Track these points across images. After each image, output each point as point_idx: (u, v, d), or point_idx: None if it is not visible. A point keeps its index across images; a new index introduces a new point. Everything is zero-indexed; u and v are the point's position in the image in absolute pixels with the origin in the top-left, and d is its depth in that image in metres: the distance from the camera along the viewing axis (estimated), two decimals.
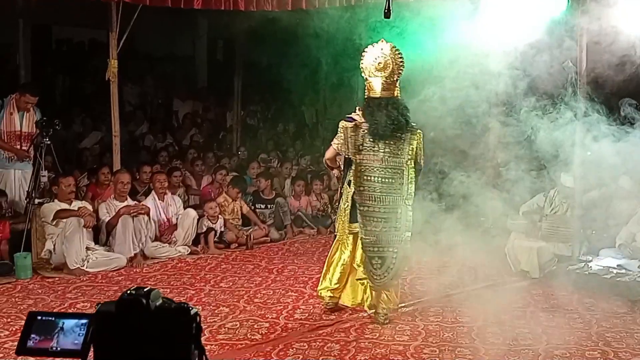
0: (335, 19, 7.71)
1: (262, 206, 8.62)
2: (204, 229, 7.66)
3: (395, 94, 5.18)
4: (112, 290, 6.05)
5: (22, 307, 5.56)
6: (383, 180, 5.07)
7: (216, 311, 5.51)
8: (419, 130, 5.20)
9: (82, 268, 6.55)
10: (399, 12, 6.84)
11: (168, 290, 6.08)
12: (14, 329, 5.03)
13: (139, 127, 11.27)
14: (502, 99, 7.50)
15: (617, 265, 6.47)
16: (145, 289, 1.70)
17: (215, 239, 7.74)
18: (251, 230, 8.11)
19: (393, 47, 5.18)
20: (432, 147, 6.74)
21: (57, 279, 6.38)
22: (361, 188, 5.09)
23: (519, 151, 7.09)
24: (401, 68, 5.16)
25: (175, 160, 9.44)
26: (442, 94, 7.20)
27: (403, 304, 5.63)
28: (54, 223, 6.66)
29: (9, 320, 5.25)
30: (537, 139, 6.84)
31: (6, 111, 7.24)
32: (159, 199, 7.57)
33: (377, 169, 5.08)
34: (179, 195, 8.10)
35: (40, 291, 6.03)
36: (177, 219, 7.59)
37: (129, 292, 1.69)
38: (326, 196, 9.37)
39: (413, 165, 5.13)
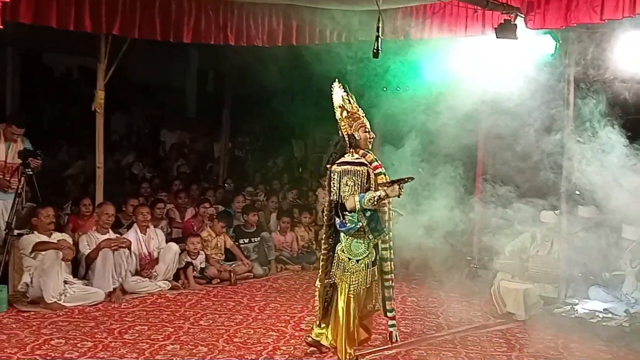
0: (325, 54, 7.75)
1: (246, 240, 8.50)
2: (184, 264, 7.53)
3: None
4: (88, 327, 5.88)
5: None
6: None
7: (194, 350, 5.36)
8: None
9: (59, 302, 6.39)
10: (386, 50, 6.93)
11: (146, 327, 5.94)
12: None
13: (125, 156, 11.19)
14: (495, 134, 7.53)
15: (604, 309, 6.42)
16: None
17: (197, 274, 7.61)
18: (234, 265, 7.99)
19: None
20: None
21: (32, 313, 6.21)
22: None
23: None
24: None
25: (160, 191, 9.33)
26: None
27: (386, 347, 5.52)
28: (32, 255, 6.52)
29: None
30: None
31: None
32: (141, 232, 7.44)
33: None
34: (161, 228, 7.98)
35: (14, 326, 5.85)
36: (158, 252, 7.46)
37: None
38: (313, 230, 9.31)
39: None
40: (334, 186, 4.82)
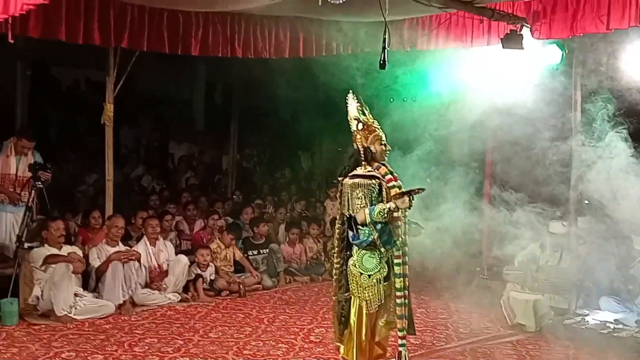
0: (332, 66, 7.78)
1: (254, 252, 8.51)
2: (193, 276, 7.55)
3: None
4: (98, 340, 5.90)
5: (5, 356, 5.41)
6: None
7: None
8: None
9: (69, 315, 6.41)
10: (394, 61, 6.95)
11: (156, 340, 5.95)
12: None
13: (134, 169, 11.23)
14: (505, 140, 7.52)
15: (615, 320, 6.39)
16: None
17: (207, 286, 7.62)
18: (243, 277, 8.00)
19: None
20: None
21: (43, 326, 6.22)
22: None
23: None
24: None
25: (169, 204, 9.36)
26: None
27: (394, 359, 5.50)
28: (43, 268, 6.55)
29: None
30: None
31: (3, 154, 7.24)
32: (150, 245, 7.47)
33: None
34: (170, 240, 8.01)
35: (25, 339, 5.87)
36: (168, 265, 7.47)
37: None
38: (322, 241, 9.31)
39: None
40: (346, 199, 4.75)
